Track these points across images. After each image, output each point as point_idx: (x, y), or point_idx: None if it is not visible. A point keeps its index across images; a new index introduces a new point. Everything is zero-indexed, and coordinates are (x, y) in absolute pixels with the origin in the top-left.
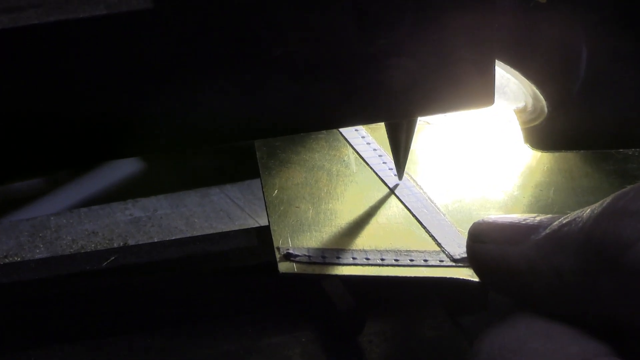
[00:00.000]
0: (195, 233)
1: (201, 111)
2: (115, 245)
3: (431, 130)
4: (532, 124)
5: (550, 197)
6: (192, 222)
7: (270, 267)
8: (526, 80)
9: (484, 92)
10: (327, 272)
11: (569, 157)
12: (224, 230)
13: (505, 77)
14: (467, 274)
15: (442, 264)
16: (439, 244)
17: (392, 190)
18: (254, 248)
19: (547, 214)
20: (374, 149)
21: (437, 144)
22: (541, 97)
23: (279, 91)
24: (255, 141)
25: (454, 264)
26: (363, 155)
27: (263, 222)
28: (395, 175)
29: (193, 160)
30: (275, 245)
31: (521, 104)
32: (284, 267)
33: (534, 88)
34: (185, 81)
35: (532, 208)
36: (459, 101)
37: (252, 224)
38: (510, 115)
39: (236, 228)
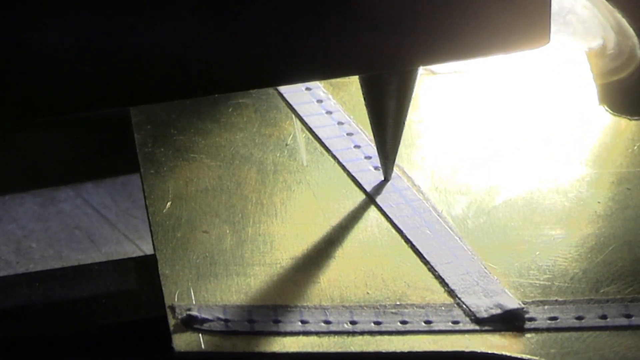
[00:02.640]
0: (32, 268)
1: None
2: None
3: (437, 85)
4: (615, 76)
5: None
6: (25, 249)
7: (160, 334)
8: (606, 2)
9: (533, 24)
10: (259, 349)
11: None
12: (81, 263)
13: None
14: (500, 343)
15: (457, 327)
16: (451, 292)
17: (370, 197)
18: (131, 295)
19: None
20: (339, 123)
21: (447, 110)
22: (631, 31)
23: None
24: (132, 113)
25: (477, 327)
26: (320, 135)
27: (149, 248)
28: (376, 169)
29: (29, 141)
30: (167, 301)
31: (596, 43)
32: (182, 341)
33: (619, 16)
34: None
35: (614, 222)
36: (495, 40)
37: (130, 251)
38: (577, 60)
39: (102, 259)
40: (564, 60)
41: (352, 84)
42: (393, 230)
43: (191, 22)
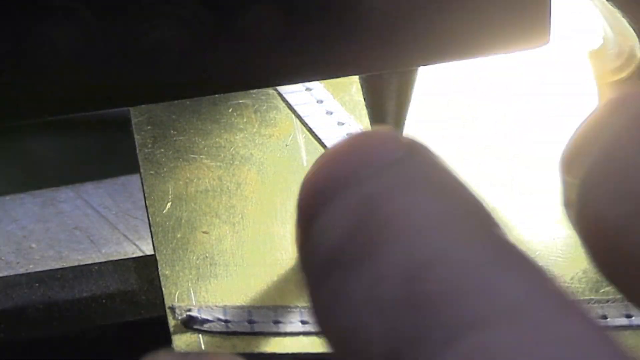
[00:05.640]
0: (32, 268)
1: None
2: None
3: (437, 85)
4: (616, 77)
5: None
6: (25, 249)
7: (160, 334)
8: (606, 3)
9: (533, 24)
10: (259, 349)
11: None
12: (82, 263)
13: None
14: None
15: None
16: None
17: None
18: (132, 296)
19: None
20: (339, 123)
21: (447, 110)
22: (631, 31)
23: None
24: (132, 114)
25: None
26: (320, 136)
27: (149, 248)
28: None
29: (29, 142)
30: (167, 302)
31: (596, 43)
32: (182, 341)
33: (620, 16)
34: None
35: None
36: (495, 39)
37: (130, 251)
38: (577, 60)
39: (102, 259)
40: (564, 61)
41: (352, 84)
42: None
43: (191, 22)
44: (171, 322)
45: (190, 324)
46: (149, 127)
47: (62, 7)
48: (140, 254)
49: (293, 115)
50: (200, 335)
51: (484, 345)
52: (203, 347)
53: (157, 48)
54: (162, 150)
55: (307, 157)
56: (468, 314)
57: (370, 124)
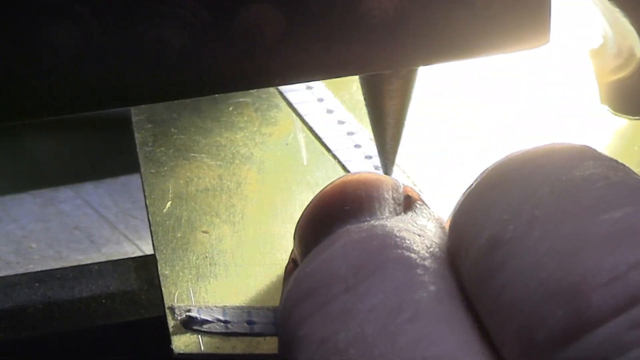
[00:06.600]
0: (32, 268)
1: None
2: None
3: (437, 85)
4: (616, 76)
5: None
6: (25, 249)
7: (159, 335)
8: (606, 2)
9: (533, 23)
10: (259, 351)
11: None
12: (81, 263)
13: None
14: None
15: None
16: None
17: None
18: (132, 296)
19: None
20: (340, 122)
21: (448, 110)
22: (632, 30)
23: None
24: (133, 112)
25: None
26: (321, 135)
27: (149, 248)
28: (376, 169)
29: (29, 142)
30: (166, 302)
31: (596, 42)
32: (181, 342)
33: (620, 16)
34: None
35: None
36: (495, 39)
37: (130, 251)
38: (578, 59)
39: (102, 259)
40: (564, 60)
41: (353, 84)
42: None
43: (190, 22)
44: (170, 323)
45: (189, 324)
46: (149, 126)
47: (62, 6)
48: (140, 254)
49: (293, 114)
50: (199, 336)
51: None
52: (202, 348)
53: (157, 48)
54: (163, 148)
55: (307, 156)
56: None
57: (371, 124)
